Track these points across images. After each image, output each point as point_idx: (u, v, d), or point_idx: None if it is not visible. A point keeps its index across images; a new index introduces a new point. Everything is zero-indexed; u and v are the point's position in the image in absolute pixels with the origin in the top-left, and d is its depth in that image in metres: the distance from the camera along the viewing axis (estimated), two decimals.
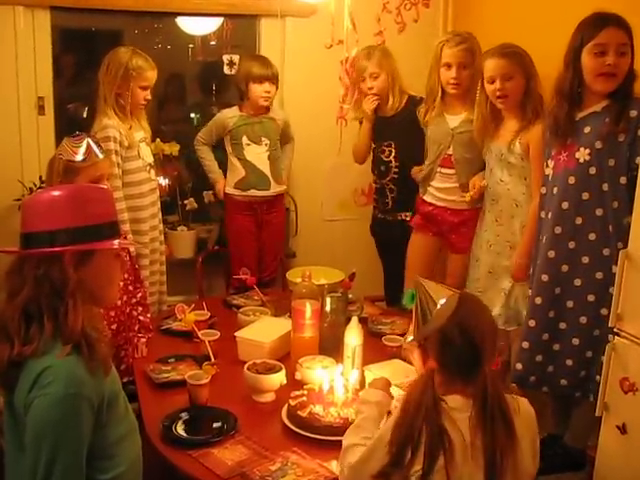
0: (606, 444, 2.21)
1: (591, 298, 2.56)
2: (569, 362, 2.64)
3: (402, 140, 3.60)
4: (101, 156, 2.57)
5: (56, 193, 1.64)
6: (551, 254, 2.63)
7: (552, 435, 2.86)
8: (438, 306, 1.66)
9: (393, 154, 3.63)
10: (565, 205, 2.58)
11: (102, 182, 2.56)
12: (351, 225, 4.22)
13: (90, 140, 2.54)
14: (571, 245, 2.59)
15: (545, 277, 2.65)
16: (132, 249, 2.96)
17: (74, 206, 1.61)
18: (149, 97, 3.28)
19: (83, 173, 2.50)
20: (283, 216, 3.94)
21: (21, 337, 1.52)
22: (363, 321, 2.87)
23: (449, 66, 3.24)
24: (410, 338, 1.78)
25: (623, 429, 2.13)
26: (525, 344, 2.71)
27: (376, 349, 2.55)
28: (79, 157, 2.50)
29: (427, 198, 3.45)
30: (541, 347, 2.68)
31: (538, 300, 2.68)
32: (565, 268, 2.61)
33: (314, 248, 4.17)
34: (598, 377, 2.33)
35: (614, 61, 2.43)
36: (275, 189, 3.81)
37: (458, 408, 1.58)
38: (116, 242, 1.67)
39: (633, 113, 2.45)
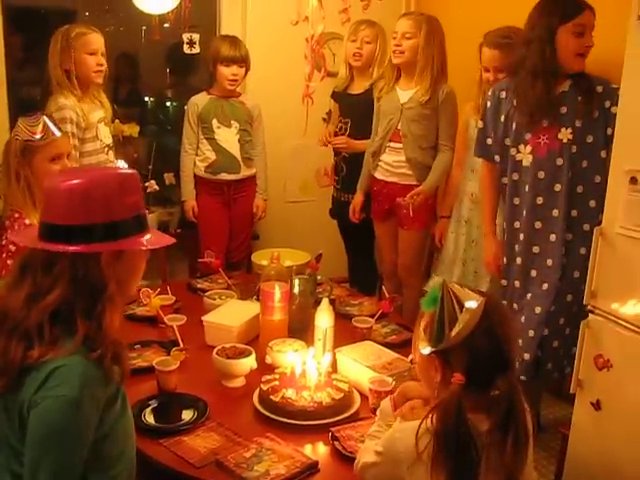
0: (580, 421, 2.22)
1: (576, 274, 2.60)
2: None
3: (359, 119, 3.61)
4: (58, 134, 2.47)
5: (92, 180, 1.47)
6: (552, 238, 2.64)
7: None
8: (464, 313, 1.45)
9: (348, 132, 3.63)
10: (557, 187, 2.61)
11: (62, 160, 2.47)
12: (314, 206, 4.20)
13: (46, 118, 2.45)
14: (564, 225, 2.62)
15: (550, 261, 2.67)
16: None
17: (112, 196, 1.45)
18: (102, 62, 3.16)
19: (41, 152, 2.41)
20: (252, 197, 3.88)
21: (45, 340, 1.38)
22: (331, 303, 2.85)
23: (394, 37, 3.32)
24: (426, 348, 1.51)
25: (597, 405, 2.14)
26: (531, 333, 2.70)
27: (346, 331, 2.51)
28: (37, 136, 2.41)
29: (378, 175, 3.49)
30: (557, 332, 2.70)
31: (545, 286, 2.68)
32: (562, 250, 2.64)
33: (277, 230, 4.14)
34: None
35: (590, 42, 2.51)
36: (244, 172, 3.77)
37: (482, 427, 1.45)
38: (149, 237, 1.53)
39: (599, 89, 2.53)
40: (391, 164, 3.42)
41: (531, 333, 2.68)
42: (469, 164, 3.16)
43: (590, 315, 2.16)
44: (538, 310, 2.68)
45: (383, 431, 1.62)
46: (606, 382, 2.13)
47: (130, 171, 1.58)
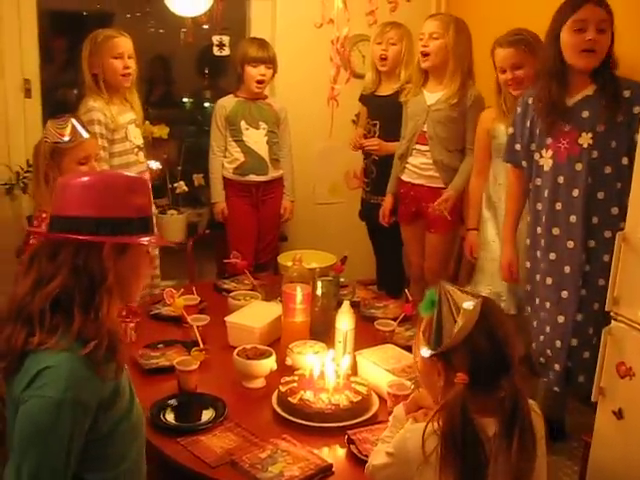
0: (602, 429, 2.18)
1: (602, 282, 2.51)
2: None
3: (388, 121, 3.60)
4: (86, 136, 2.52)
5: (105, 178, 1.57)
6: (570, 244, 2.59)
7: None
8: (462, 315, 1.47)
9: (377, 134, 3.62)
10: (576, 192, 2.55)
11: (90, 162, 2.53)
12: (343, 208, 4.19)
13: (74, 120, 2.50)
14: (584, 232, 2.56)
15: (568, 269, 2.62)
16: None
17: (121, 195, 1.52)
18: (128, 65, 3.18)
19: (70, 154, 2.47)
20: (280, 199, 3.90)
21: (45, 327, 1.43)
22: (355, 305, 2.84)
23: (421, 39, 3.30)
24: (426, 352, 1.53)
25: (619, 414, 2.10)
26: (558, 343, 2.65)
27: (369, 333, 2.51)
28: (66, 138, 2.46)
29: (405, 177, 3.47)
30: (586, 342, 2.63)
31: (564, 294, 2.63)
32: (583, 257, 2.58)
33: (306, 232, 4.14)
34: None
35: (594, 36, 2.41)
36: (272, 174, 3.79)
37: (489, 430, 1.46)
38: (153, 238, 1.60)
39: (626, 93, 2.46)
40: (418, 166, 3.41)
41: (558, 344, 2.63)
42: (504, 170, 3.07)
43: (612, 322, 2.12)
44: (561, 319, 2.62)
45: (395, 436, 1.62)
46: (628, 391, 2.09)
47: (144, 177, 1.64)
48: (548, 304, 2.68)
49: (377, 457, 1.59)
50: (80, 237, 1.46)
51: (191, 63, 4.62)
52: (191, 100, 4.56)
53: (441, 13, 3.41)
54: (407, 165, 3.44)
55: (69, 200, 1.51)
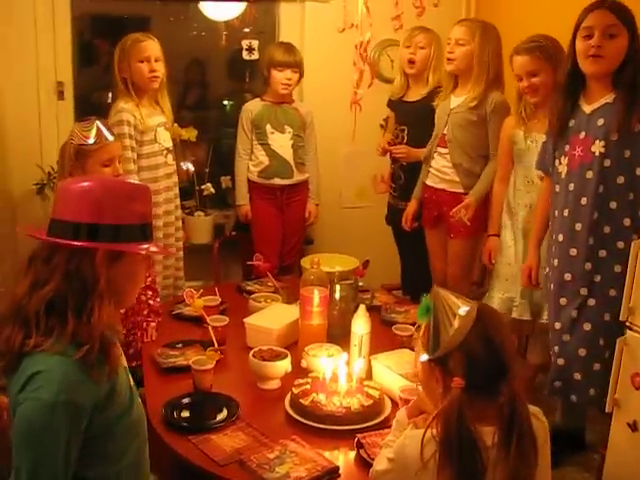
0: (616, 441, 2.15)
1: (613, 293, 2.47)
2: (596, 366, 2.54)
3: (416, 127, 3.59)
4: (111, 138, 2.57)
5: (103, 185, 1.57)
6: (573, 252, 2.56)
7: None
8: (457, 319, 1.49)
9: (405, 140, 3.62)
10: (584, 201, 2.51)
11: (114, 164, 2.58)
12: (370, 212, 4.17)
13: (99, 123, 2.55)
14: (590, 241, 2.51)
15: (569, 276, 2.59)
16: None
17: (120, 202, 1.54)
18: (155, 69, 3.20)
19: (94, 156, 2.52)
20: (305, 202, 3.91)
21: (41, 329, 1.46)
22: (376, 309, 2.85)
23: (448, 44, 3.30)
24: (424, 357, 1.55)
25: (634, 427, 2.06)
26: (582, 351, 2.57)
27: (387, 338, 2.51)
28: (91, 140, 2.51)
29: (428, 181, 3.48)
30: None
31: (563, 301, 2.60)
32: (588, 266, 2.53)
33: (332, 235, 4.15)
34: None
35: (597, 42, 2.38)
36: (297, 177, 3.81)
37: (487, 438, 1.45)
38: (149, 246, 1.61)
39: None
40: (440, 170, 3.40)
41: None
42: (523, 176, 3.06)
43: (628, 332, 2.09)
44: (558, 326, 2.60)
45: (397, 440, 1.62)
46: None
47: (144, 185, 1.67)
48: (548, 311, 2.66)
49: (379, 462, 1.60)
50: (73, 243, 1.49)
51: (220, 66, 4.66)
52: (219, 102, 4.59)
53: (469, 19, 3.39)
54: (430, 169, 3.44)
55: (67, 205, 1.53)
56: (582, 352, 2.54)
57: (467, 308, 1.49)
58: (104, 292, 1.50)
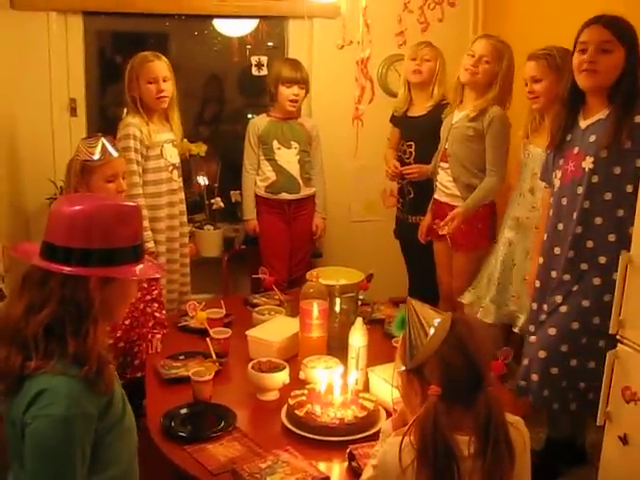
0: (608, 455, 2.14)
1: (586, 304, 2.51)
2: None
3: (422, 142, 3.61)
4: (115, 155, 2.63)
5: (94, 209, 1.57)
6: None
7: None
8: (432, 329, 1.52)
9: (413, 155, 3.63)
10: (575, 216, 2.52)
11: (117, 180, 2.63)
12: (379, 226, 4.20)
13: (104, 140, 2.61)
14: (570, 254, 2.54)
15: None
16: (150, 245, 3.02)
17: (110, 226, 1.56)
18: (162, 89, 3.22)
19: (98, 172, 2.58)
20: (312, 216, 3.95)
21: (40, 352, 1.49)
22: (379, 322, 2.88)
23: (472, 56, 3.28)
24: (401, 368, 1.60)
25: (625, 440, 2.06)
26: (542, 353, 2.61)
27: (388, 350, 2.53)
28: (96, 156, 2.57)
29: (435, 195, 3.52)
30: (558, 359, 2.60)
31: (535, 306, 2.68)
32: (567, 277, 2.56)
33: (341, 248, 4.18)
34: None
35: (590, 57, 2.41)
36: (304, 192, 3.85)
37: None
38: (141, 268, 1.62)
39: (638, 119, 2.38)
40: (442, 184, 3.43)
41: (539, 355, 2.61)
42: (518, 187, 3.10)
43: (619, 345, 2.08)
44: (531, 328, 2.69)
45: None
46: (634, 416, 2.05)
47: (132, 204, 1.68)
48: (543, 316, 2.67)
49: (365, 471, 1.63)
50: (64, 269, 1.51)
51: (231, 82, 4.72)
52: (228, 117, 4.64)
53: (495, 37, 3.33)
54: (437, 183, 3.47)
55: (59, 229, 1.55)
56: (542, 354, 2.57)
57: (439, 318, 1.53)
58: (98, 314, 1.54)
